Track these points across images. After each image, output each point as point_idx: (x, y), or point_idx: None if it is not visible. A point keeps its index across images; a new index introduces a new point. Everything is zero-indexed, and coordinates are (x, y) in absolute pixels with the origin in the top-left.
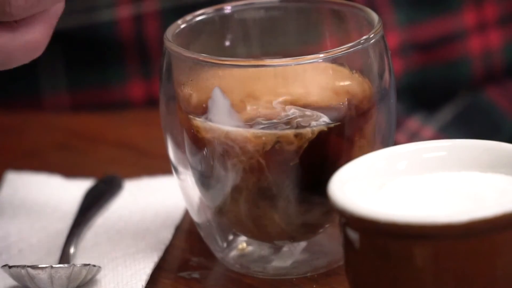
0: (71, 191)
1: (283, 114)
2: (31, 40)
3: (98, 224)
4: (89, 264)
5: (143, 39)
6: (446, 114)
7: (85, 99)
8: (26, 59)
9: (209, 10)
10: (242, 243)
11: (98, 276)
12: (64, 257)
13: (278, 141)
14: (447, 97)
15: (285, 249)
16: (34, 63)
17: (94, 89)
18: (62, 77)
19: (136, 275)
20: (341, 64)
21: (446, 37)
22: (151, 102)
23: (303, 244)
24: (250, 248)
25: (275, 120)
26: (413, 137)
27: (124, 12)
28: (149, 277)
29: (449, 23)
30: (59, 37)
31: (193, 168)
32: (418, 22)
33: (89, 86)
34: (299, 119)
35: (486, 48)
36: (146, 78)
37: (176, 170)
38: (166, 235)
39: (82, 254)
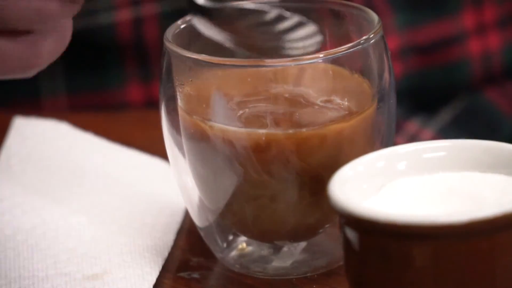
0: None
1: (283, 114)
2: (29, 53)
3: (97, 223)
4: None
5: (142, 43)
6: (445, 116)
7: (84, 102)
8: (21, 72)
9: None
10: (242, 243)
11: (103, 280)
12: None
13: (278, 140)
14: (447, 99)
15: (285, 249)
16: None
17: (93, 92)
18: (61, 80)
19: (141, 278)
20: (341, 64)
21: (445, 40)
22: (150, 105)
23: (303, 244)
24: (250, 248)
25: (275, 121)
26: (412, 140)
27: (123, 15)
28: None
29: (448, 26)
30: None
31: (193, 169)
32: (417, 25)
33: (88, 89)
34: (299, 120)
35: (485, 50)
36: (145, 81)
37: (176, 171)
38: (169, 238)
39: (84, 254)
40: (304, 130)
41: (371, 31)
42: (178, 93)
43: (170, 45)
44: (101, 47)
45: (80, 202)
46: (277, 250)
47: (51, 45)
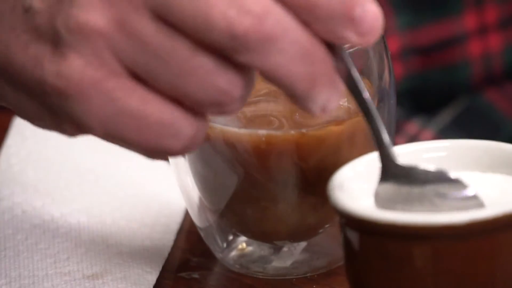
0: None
1: (283, 114)
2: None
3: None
4: None
5: None
6: (445, 116)
7: None
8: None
9: None
10: (242, 243)
11: (103, 280)
12: None
13: (279, 141)
14: (447, 100)
15: (285, 249)
16: None
17: None
18: None
19: (142, 278)
20: None
21: (446, 41)
22: None
23: (303, 244)
24: (250, 248)
25: (275, 120)
26: (413, 141)
27: None
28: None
29: (449, 27)
30: None
31: (193, 169)
32: (418, 26)
33: None
34: (299, 120)
35: (486, 51)
36: None
37: (176, 171)
38: (169, 238)
39: (83, 253)
40: (304, 130)
41: None
42: None
43: None
44: None
45: (80, 202)
46: (277, 250)
47: None
